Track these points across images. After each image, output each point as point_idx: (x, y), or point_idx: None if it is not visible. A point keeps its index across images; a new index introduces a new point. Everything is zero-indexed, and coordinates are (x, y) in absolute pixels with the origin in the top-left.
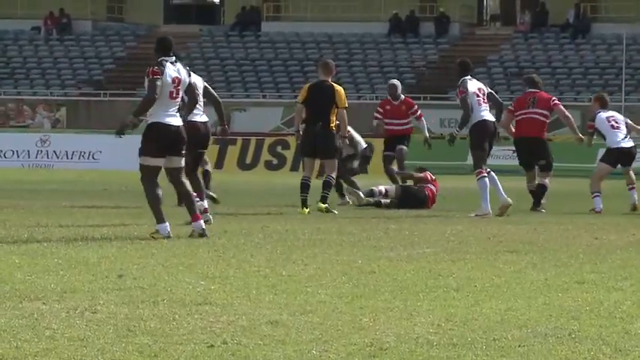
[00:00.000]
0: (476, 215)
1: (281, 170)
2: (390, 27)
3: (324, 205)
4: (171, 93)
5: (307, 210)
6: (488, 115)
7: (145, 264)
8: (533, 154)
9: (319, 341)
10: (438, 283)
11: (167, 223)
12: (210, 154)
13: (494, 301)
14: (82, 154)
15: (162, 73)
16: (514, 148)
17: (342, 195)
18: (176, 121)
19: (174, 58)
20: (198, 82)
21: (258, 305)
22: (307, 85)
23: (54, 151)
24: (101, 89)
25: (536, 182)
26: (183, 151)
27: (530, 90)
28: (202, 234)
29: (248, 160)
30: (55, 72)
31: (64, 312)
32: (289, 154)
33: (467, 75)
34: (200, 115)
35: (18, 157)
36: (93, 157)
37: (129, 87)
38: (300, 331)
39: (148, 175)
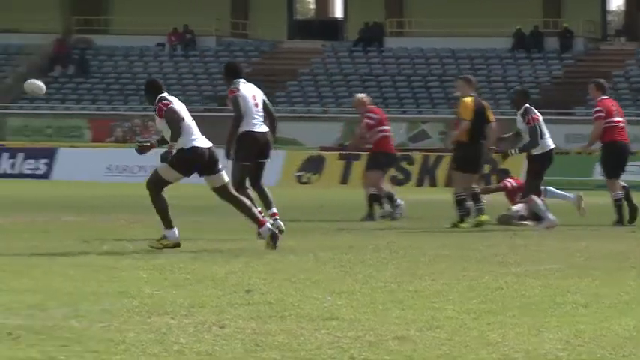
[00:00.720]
0: (545, 227)
1: (406, 186)
2: (513, 42)
3: (483, 217)
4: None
5: (467, 224)
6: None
7: (272, 279)
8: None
9: (447, 357)
10: (565, 299)
11: (175, 229)
12: (336, 169)
13: (623, 318)
14: None
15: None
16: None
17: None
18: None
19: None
20: (258, 94)
21: (385, 320)
22: (470, 102)
23: None
24: (225, 105)
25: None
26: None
27: (607, 96)
28: (274, 235)
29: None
30: (180, 88)
31: (192, 326)
32: (414, 170)
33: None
34: (259, 126)
35: (145, 172)
36: None
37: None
38: (428, 347)
39: (161, 185)
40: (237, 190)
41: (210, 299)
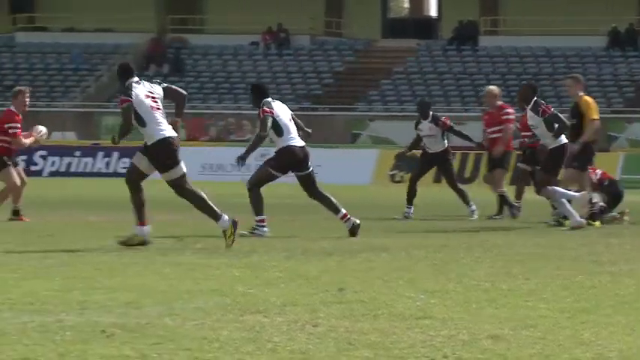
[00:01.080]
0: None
1: None
2: (608, 40)
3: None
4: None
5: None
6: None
7: (365, 277)
8: None
9: (540, 356)
10: None
11: (148, 226)
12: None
13: None
14: None
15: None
16: None
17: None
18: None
19: (137, 78)
20: (284, 110)
21: (478, 319)
22: (592, 100)
23: None
24: (319, 104)
25: None
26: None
27: None
28: (235, 223)
29: (467, 174)
30: (274, 86)
31: (285, 325)
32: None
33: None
34: (298, 140)
35: (239, 170)
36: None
37: (347, 102)
38: (521, 346)
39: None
40: (250, 189)
41: (303, 297)
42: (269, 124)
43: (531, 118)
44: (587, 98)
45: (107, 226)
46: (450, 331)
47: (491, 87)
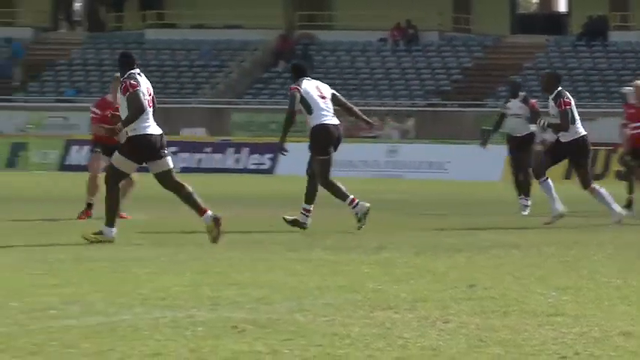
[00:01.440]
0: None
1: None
2: None
3: None
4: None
5: None
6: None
7: (495, 274)
8: None
9: None
10: None
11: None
12: (558, 166)
13: None
14: (431, 164)
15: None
16: None
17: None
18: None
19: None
20: (325, 88)
21: (610, 316)
22: None
23: (403, 162)
24: (448, 100)
25: None
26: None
27: None
28: (216, 219)
29: (598, 171)
30: (403, 83)
31: (415, 321)
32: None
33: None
34: (331, 118)
35: (367, 167)
36: (442, 168)
37: (476, 97)
38: None
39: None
40: (325, 185)
41: (433, 294)
42: (296, 100)
43: (551, 107)
44: None
45: (237, 222)
46: (581, 328)
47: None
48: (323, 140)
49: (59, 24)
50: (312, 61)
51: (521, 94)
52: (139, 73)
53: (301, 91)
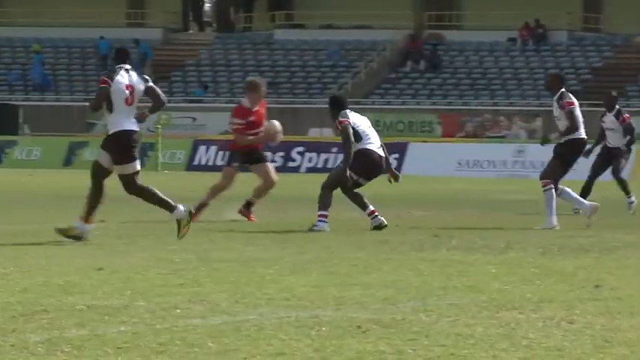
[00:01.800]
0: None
1: None
2: None
3: None
4: (126, 100)
5: None
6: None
7: (622, 274)
8: None
9: None
10: None
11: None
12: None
13: None
14: None
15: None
16: None
17: None
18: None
19: (128, 66)
20: (360, 119)
21: None
22: None
23: (530, 162)
24: (577, 99)
25: None
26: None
27: None
28: (190, 214)
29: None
30: (531, 82)
31: (540, 322)
32: None
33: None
34: (374, 145)
35: (494, 167)
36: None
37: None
38: None
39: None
40: (325, 190)
41: (558, 294)
42: (350, 131)
43: (555, 109)
44: None
45: (363, 222)
46: None
47: None
48: (362, 163)
49: (189, 25)
50: (440, 61)
51: (617, 107)
52: (126, 70)
53: (351, 122)
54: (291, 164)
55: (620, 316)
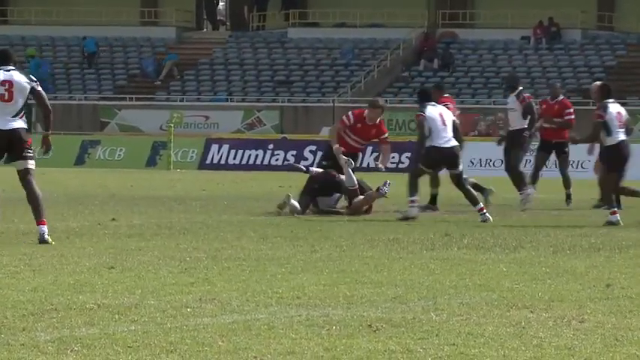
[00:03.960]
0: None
1: None
2: None
3: None
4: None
5: None
6: None
7: (632, 273)
8: None
9: None
10: None
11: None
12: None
13: None
14: (571, 163)
15: None
16: None
17: None
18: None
19: (11, 67)
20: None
21: None
22: None
23: None
24: (590, 98)
25: None
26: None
27: None
28: (42, 240)
29: None
30: (544, 81)
31: (551, 320)
32: None
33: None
34: (446, 141)
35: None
36: (581, 166)
37: (618, 96)
38: None
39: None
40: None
41: (569, 293)
42: (425, 125)
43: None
44: None
45: (372, 220)
46: None
47: None
48: (432, 158)
49: (203, 24)
50: (453, 59)
51: (519, 88)
52: (6, 70)
53: (427, 118)
54: (303, 163)
55: (630, 315)
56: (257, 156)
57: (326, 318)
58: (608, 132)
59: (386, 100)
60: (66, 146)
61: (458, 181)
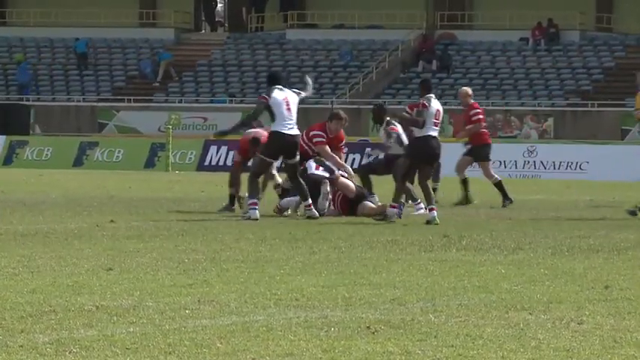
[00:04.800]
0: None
1: None
2: None
3: None
4: None
5: None
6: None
7: (631, 275)
8: None
9: None
10: None
11: None
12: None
13: None
14: (569, 164)
15: None
16: None
17: None
18: None
19: None
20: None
21: None
22: None
23: (541, 162)
24: (588, 100)
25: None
26: None
27: None
28: None
29: None
30: (543, 82)
31: (549, 322)
32: None
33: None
34: (290, 129)
35: (505, 167)
36: (580, 168)
37: (616, 97)
38: None
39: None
40: (250, 177)
41: (568, 295)
42: (259, 110)
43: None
44: None
45: (371, 222)
46: None
47: None
48: (274, 145)
49: (201, 25)
50: (451, 61)
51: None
52: None
53: (270, 101)
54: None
55: (629, 317)
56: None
57: (324, 320)
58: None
59: (385, 102)
60: (64, 148)
61: (293, 172)
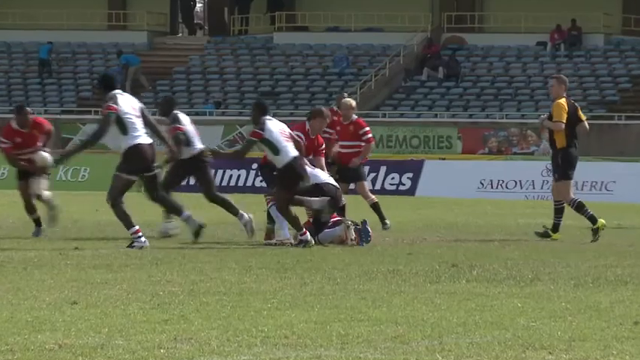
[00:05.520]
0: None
1: None
2: None
3: None
4: None
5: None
6: None
7: None
8: None
9: None
10: None
11: None
12: None
13: None
14: (594, 184)
15: None
16: None
17: None
18: None
19: None
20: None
21: None
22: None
23: None
24: (615, 111)
25: None
26: None
27: None
28: None
29: None
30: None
31: None
32: None
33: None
34: (144, 137)
35: (521, 187)
36: (605, 188)
37: None
38: None
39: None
40: (112, 203)
41: (593, 332)
42: (110, 121)
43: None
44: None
45: (375, 249)
46: None
47: None
48: (136, 161)
49: (178, 28)
50: (460, 68)
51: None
52: None
53: (119, 110)
54: None
55: None
56: (239, 176)
57: None
58: (275, 151)
59: (384, 114)
60: None
61: (154, 185)
